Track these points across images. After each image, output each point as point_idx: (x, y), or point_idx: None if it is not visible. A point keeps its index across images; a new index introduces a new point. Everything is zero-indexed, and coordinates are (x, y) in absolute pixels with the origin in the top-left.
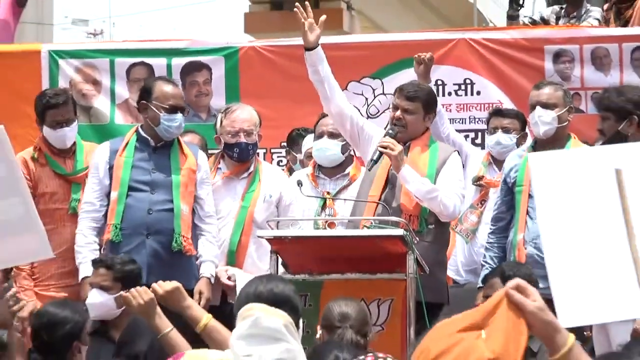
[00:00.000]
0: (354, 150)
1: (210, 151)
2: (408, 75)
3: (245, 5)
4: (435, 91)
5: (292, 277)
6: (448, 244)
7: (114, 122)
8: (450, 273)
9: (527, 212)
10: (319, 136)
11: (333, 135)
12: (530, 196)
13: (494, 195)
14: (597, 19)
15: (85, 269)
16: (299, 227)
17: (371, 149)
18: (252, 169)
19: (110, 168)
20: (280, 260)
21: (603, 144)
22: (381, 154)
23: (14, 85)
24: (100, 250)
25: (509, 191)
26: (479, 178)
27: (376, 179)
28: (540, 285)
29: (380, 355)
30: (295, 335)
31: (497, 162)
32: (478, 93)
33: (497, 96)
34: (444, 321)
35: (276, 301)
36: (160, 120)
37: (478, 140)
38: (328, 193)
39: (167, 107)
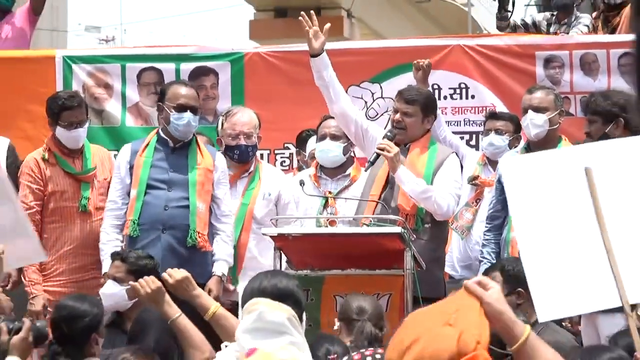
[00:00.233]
0: (354, 152)
1: None
2: (406, 80)
3: (251, 13)
4: None
5: (294, 272)
6: (445, 242)
7: (124, 125)
8: (446, 268)
9: None
10: (322, 138)
11: (335, 137)
12: None
13: (489, 194)
14: (587, 26)
15: (107, 265)
16: (301, 225)
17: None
18: (251, 168)
19: (131, 168)
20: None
21: None
22: (378, 155)
23: (30, 88)
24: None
25: (503, 190)
26: (474, 177)
27: (377, 179)
28: None
29: (379, 350)
30: (299, 328)
31: (491, 162)
32: (472, 97)
33: (491, 100)
34: (416, 312)
35: (280, 296)
36: (170, 119)
37: (472, 142)
38: (330, 192)
39: (175, 105)
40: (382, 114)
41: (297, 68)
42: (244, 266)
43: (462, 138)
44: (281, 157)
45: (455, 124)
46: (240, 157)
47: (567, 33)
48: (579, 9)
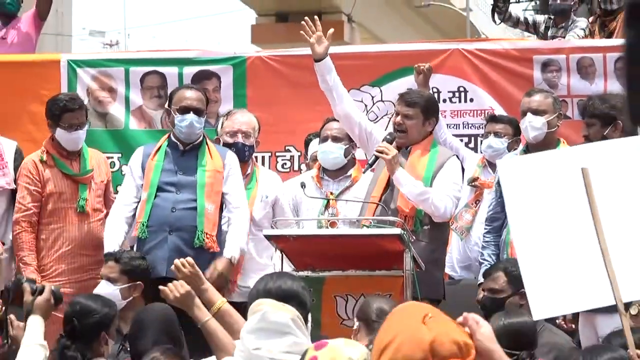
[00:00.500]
0: (354, 154)
1: None
2: (405, 83)
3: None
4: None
5: (295, 273)
6: (445, 243)
7: (128, 128)
8: (446, 269)
9: None
10: (324, 140)
11: (337, 139)
12: None
13: (488, 196)
14: (583, 30)
15: (107, 246)
16: (299, 226)
17: None
18: (249, 171)
19: (143, 170)
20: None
21: None
22: (377, 157)
23: (35, 92)
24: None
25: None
26: (474, 179)
27: (379, 181)
28: None
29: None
30: (303, 329)
31: (491, 164)
32: (471, 100)
33: (489, 103)
34: (396, 309)
35: (284, 297)
36: (174, 121)
37: (471, 145)
38: (331, 193)
39: (179, 108)
40: (381, 117)
41: (298, 72)
42: (243, 267)
43: (461, 141)
44: (282, 160)
45: (454, 127)
46: (237, 155)
47: (564, 37)
48: (576, 14)
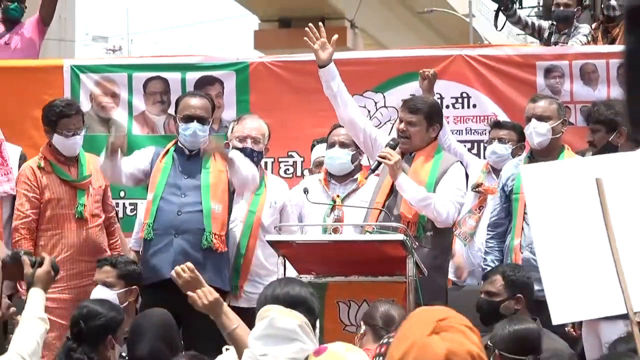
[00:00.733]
0: (361, 160)
1: None
2: (409, 89)
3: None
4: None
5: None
6: (449, 250)
7: (131, 133)
8: (449, 275)
9: (524, 219)
10: (331, 145)
11: (344, 145)
12: (526, 203)
13: (492, 202)
14: (586, 36)
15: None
16: (302, 232)
17: None
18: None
19: (151, 167)
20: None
21: (594, 154)
22: (379, 163)
23: (38, 97)
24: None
25: (507, 198)
26: (478, 185)
27: (382, 187)
28: (536, 287)
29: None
30: (311, 335)
31: (495, 170)
32: (474, 106)
33: (492, 109)
34: (406, 320)
35: (292, 303)
36: (179, 129)
37: (474, 151)
38: (338, 196)
39: (182, 116)
40: (384, 123)
41: (301, 77)
42: (250, 272)
43: (464, 147)
44: (285, 165)
45: (457, 132)
46: None
47: (567, 43)
48: (579, 20)
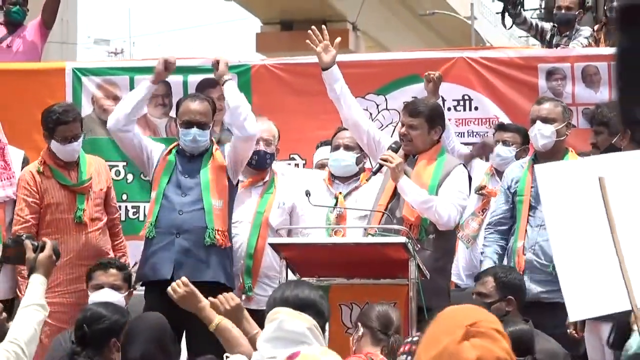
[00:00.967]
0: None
1: None
2: (410, 92)
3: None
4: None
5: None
6: (451, 252)
7: None
8: (452, 277)
9: (527, 220)
10: (336, 148)
11: (348, 148)
12: (530, 206)
13: (495, 204)
14: (587, 38)
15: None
16: (308, 234)
17: None
18: (267, 178)
19: (153, 159)
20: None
21: None
22: (381, 166)
23: (40, 100)
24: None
25: (511, 198)
26: (481, 187)
27: (385, 189)
28: (539, 289)
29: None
30: (320, 338)
31: (499, 173)
32: (476, 108)
33: (494, 111)
34: (430, 326)
35: (301, 305)
36: (179, 134)
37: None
38: (340, 193)
39: (182, 122)
40: (386, 126)
41: (303, 80)
42: (260, 274)
43: (467, 149)
44: (288, 164)
45: (459, 135)
46: (258, 163)
47: (568, 45)
48: (581, 22)
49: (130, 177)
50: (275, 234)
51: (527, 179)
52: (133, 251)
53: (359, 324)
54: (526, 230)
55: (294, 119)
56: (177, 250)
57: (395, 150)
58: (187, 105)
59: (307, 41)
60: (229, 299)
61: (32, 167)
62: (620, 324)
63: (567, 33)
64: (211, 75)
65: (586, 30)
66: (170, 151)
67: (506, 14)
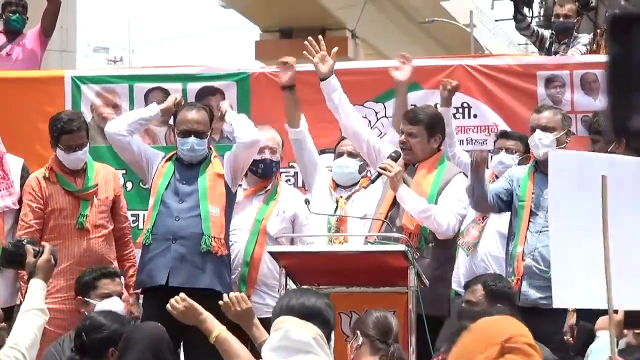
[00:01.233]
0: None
1: None
2: (410, 99)
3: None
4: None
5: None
6: (452, 261)
7: None
8: (452, 285)
9: (527, 226)
10: (339, 155)
11: (352, 155)
12: (531, 212)
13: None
14: (585, 45)
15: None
16: (312, 242)
17: None
18: (270, 187)
19: (152, 165)
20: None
21: None
22: (379, 174)
23: (39, 108)
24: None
25: (510, 189)
26: None
27: (385, 198)
28: (537, 295)
29: None
30: (325, 348)
31: None
32: (475, 116)
33: (493, 119)
34: (472, 332)
35: (307, 314)
36: (177, 144)
37: None
38: (341, 197)
39: (179, 131)
40: (385, 134)
41: (302, 88)
42: (257, 282)
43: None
44: (286, 176)
45: (458, 142)
46: (265, 171)
47: (566, 53)
48: (580, 29)
49: (129, 185)
50: (275, 243)
51: (529, 186)
52: None
53: (358, 332)
54: (526, 236)
55: None
56: (172, 256)
57: (395, 159)
58: (185, 114)
59: (305, 52)
60: (240, 300)
61: (39, 173)
62: (583, 329)
63: (566, 40)
64: (210, 83)
65: (584, 38)
66: (169, 158)
67: (518, 14)
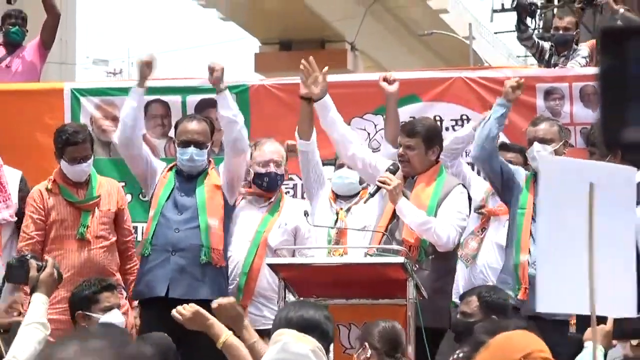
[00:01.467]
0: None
1: None
2: (408, 111)
3: (256, 46)
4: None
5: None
6: (452, 273)
7: None
8: (452, 297)
9: (530, 234)
10: (339, 166)
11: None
12: (532, 219)
13: (494, 223)
14: (584, 58)
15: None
16: (312, 255)
17: None
18: (273, 199)
19: (154, 175)
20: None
21: None
22: (378, 188)
23: (39, 121)
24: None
25: (509, 178)
26: (481, 207)
27: (385, 211)
28: None
29: None
30: None
31: None
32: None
33: None
34: (491, 348)
35: (306, 327)
36: (177, 154)
37: (473, 172)
38: (341, 209)
39: (179, 141)
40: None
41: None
42: (255, 293)
43: (470, 168)
44: (285, 188)
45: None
46: (270, 185)
47: (566, 65)
48: (579, 41)
49: (128, 197)
50: (274, 255)
51: (529, 197)
52: None
53: (366, 344)
54: (529, 246)
55: (292, 139)
56: (172, 268)
57: (393, 172)
58: (185, 125)
59: (301, 67)
60: (233, 304)
61: (42, 185)
62: (573, 340)
63: (565, 53)
64: (210, 95)
65: (584, 50)
66: (170, 169)
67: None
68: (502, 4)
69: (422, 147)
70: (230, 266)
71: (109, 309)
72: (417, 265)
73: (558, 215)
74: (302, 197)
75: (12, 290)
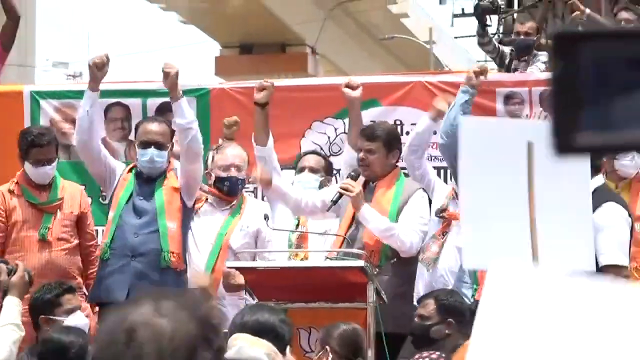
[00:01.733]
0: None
1: None
2: (369, 115)
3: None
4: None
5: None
6: (413, 277)
7: None
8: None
9: None
10: (300, 170)
11: (313, 170)
12: None
13: (456, 227)
14: (544, 63)
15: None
16: (273, 259)
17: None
18: (234, 202)
19: (114, 175)
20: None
21: None
22: (341, 195)
23: None
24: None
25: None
26: (442, 210)
27: (344, 217)
28: None
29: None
30: None
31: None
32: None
33: None
34: None
35: (260, 330)
36: (137, 155)
37: (439, 178)
38: None
39: (139, 142)
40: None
41: None
42: (217, 294)
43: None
44: (246, 192)
45: None
46: (230, 189)
47: (526, 70)
48: (539, 48)
49: (89, 200)
50: (236, 257)
51: None
52: None
53: (327, 347)
54: None
55: (252, 143)
56: (132, 273)
57: (355, 178)
58: (145, 126)
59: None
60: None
61: (4, 187)
62: None
63: (526, 58)
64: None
65: (544, 56)
66: (130, 170)
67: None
68: (463, 9)
69: (382, 150)
70: (194, 269)
71: (71, 311)
72: (377, 270)
73: (484, 173)
74: (263, 199)
75: None
